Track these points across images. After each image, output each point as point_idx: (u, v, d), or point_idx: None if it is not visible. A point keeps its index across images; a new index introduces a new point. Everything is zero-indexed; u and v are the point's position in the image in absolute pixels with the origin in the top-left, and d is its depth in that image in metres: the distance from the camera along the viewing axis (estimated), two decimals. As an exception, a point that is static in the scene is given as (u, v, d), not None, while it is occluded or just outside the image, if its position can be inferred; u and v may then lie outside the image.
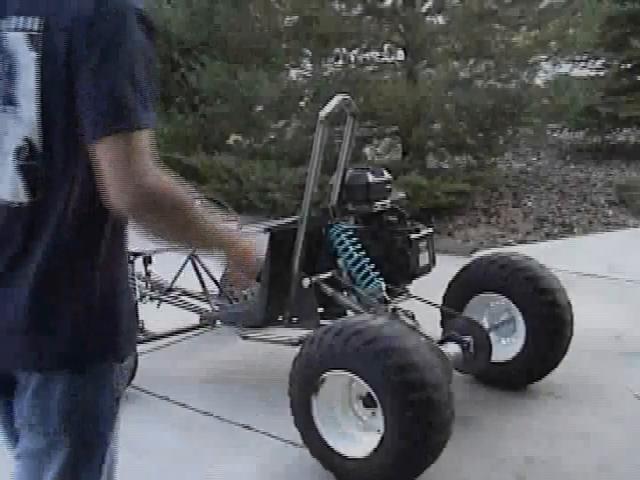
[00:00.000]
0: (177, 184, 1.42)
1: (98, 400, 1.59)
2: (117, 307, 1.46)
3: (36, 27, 1.30)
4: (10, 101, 1.34)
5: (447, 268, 3.65)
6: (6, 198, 1.37)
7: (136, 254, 3.84)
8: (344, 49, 7.17)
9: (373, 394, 2.67)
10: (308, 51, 7.33)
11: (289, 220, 3.67)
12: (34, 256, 1.37)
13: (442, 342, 3.16)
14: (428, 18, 7.17)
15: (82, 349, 1.46)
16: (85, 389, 1.53)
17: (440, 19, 7.13)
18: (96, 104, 1.28)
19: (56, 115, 1.32)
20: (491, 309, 3.53)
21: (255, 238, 1.79)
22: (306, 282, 3.35)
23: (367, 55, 7.19)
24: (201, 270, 3.87)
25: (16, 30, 1.32)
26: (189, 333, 4.02)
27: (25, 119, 1.33)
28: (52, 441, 1.51)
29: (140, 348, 3.73)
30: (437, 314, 3.63)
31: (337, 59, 7.26)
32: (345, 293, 3.44)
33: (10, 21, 1.33)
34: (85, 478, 1.61)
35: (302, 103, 7.25)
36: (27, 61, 1.31)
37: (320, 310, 3.47)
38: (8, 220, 1.38)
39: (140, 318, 3.85)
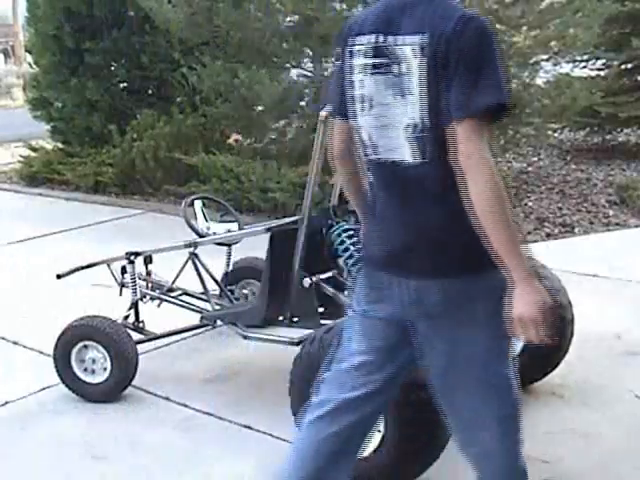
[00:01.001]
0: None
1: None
2: (475, 233, 1.86)
3: (425, 41, 1.88)
4: (404, 92, 1.93)
5: (447, 268, 3.64)
6: (408, 159, 1.97)
7: (136, 254, 3.85)
8: (344, 49, 7.17)
9: (373, 394, 2.66)
10: (309, 51, 7.32)
11: (289, 220, 3.67)
12: (424, 198, 1.97)
13: (442, 342, 3.15)
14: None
15: (471, 261, 1.93)
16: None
17: (440, 19, 7.12)
18: (457, 95, 1.84)
19: (433, 101, 1.88)
20: (491, 309, 3.53)
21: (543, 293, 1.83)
22: (307, 282, 3.35)
23: (368, 55, 7.19)
24: (202, 270, 3.87)
25: (412, 44, 1.90)
26: (189, 333, 4.02)
27: (415, 104, 1.91)
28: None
29: (140, 348, 3.74)
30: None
31: (338, 59, 7.26)
32: (346, 293, 3.44)
33: (405, 37, 1.92)
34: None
35: (303, 103, 7.24)
36: (417, 64, 1.89)
37: (321, 310, 3.47)
38: (408, 173, 1.97)
39: (140, 318, 3.86)
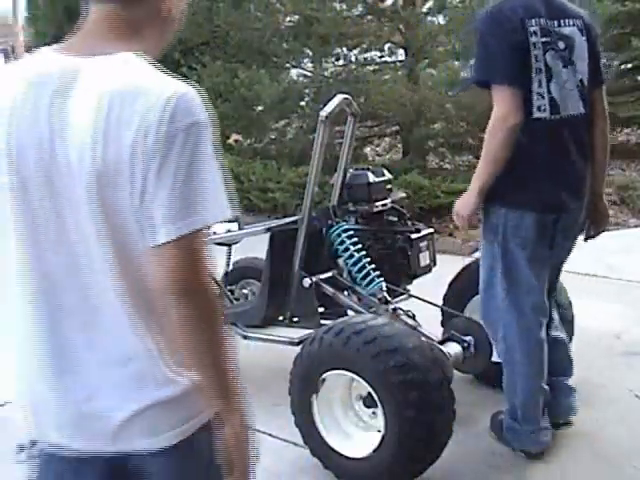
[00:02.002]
0: None
1: None
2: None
3: (581, 24, 2.74)
4: (569, 63, 2.69)
5: (447, 268, 3.65)
6: (582, 111, 2.73)
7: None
8: (345, 49, 7.18)
9: (373, 394, 2.67)
10: (309, 51, 7.33)
11: (289, 220, 3.67)
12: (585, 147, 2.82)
13: (442, 342, 3.16)
14: (429, 18, 7.17)
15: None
16: None
17: (441, 19, 7.13)
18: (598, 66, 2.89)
19: (590, 67, 2.76)
20: (491, 309, 3.54)
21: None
22: (307, 282, 3.35)
23: (368, 55, 7.19)
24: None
25: (573, 25, 2.71)
26: (189, 333, 4.02)
27: (579, 72, 2.72)
28: None
29: (140, 348, 3.74)
30: (438, 314, 3.63)
31: (338, 59, 7.27)
32: (346, 293, 3.44)
33: (568, 21, 2.71)
34: None
35: (303, 103, 7.25)
36: (580, 42, 2.72)
37: (320, 310, 3.48)
38: (580, 124, 2.75)
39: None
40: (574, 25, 2.72)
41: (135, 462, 1.40)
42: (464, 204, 2.78)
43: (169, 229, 1.25)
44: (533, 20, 2.62)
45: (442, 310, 3.58)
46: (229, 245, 4.04)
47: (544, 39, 2.63)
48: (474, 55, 2.75)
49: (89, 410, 1.38)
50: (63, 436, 1.45)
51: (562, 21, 2.69)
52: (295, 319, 3.52)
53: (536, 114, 2.62)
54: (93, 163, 1.25)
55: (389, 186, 3.53)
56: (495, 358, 3.05)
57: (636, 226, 6.21)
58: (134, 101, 1.25)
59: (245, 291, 4.17)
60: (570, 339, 3.43)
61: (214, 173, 1.32)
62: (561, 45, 2.66)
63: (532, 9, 2.64)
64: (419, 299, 3.55)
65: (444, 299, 3.58)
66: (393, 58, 7.36)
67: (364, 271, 3.37)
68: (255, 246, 3.89)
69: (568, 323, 3.40)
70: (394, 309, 3.28)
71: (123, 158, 1.24)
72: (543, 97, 2.63)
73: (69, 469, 1.48)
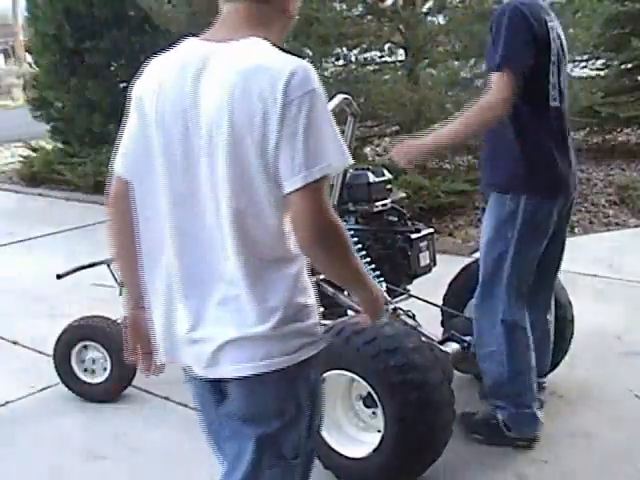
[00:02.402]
0: None
1: None
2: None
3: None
4: (564, 58, 2.86)
5: (447, 268, 3.64)
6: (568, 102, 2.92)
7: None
8: (345, 49, 7.16)
9: (373, 394, 2.67)
10: (308, 51, 7.31)
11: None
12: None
13: (443, 342, 3.16)
14: (429, 18, 7.16)
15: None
16: None
17: (441, 19, 7.12)
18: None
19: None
20: (491, 309, 3.54)
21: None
22: (306, 282, 3.34)
23: (368, 55, 7.17)
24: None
25: (558, 27, 2.85)
26: (189, 333, 4.02)
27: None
28: None
29: (140, 348, 3.74)
30: (438, 314, 3.63)
31: (338, 59, 7.25)
32: (346, 293, 3.43)
33: (555, 20, 2.83)
34: None
35: (302, 103, 7.24)
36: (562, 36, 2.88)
37: (320, 310, 3.46)
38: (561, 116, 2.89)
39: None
40: (558, 25, 2.90)
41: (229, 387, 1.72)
42: (414, 149, 2.97)
43: (295, 180, 1.55)
44: (548, 17, 2.78)
45: (442, 310, 3.57)
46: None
47: (556, 34, 2.81)
48: (492, 44, 2.71)
49: (194, 338, 1.71)
50: (185, 361, 1.78)
51: (553, 19, 2.86)
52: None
53: (552, 103, 2.80)
54: (228, 128, 1.57)
55: (389, 186, 3.53)
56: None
57: (636, 226, 6.20)
58: (262, 75, 1.56)
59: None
60: (570, 339, 3.44)
61: (331, 129, 1.59)
62: (558, 42, 2.84)
63: (542, 6, 2.81)
64: (419, 299, 3.55)
65: (444, 299, 3.58)
66: (393, 58, 7.34)
67: (364, 271, 3.36)
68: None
69: (568, 323, 3.40)
70: (394, 309, 3.28)
71: (254, 122, 1.55)
72: (555, 87, 2.81)
73: (203, 390, 1.83)
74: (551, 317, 3.17)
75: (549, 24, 2.77)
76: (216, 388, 1.78)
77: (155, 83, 1.72)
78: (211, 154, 1.61)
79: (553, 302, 3.20)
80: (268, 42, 1.64)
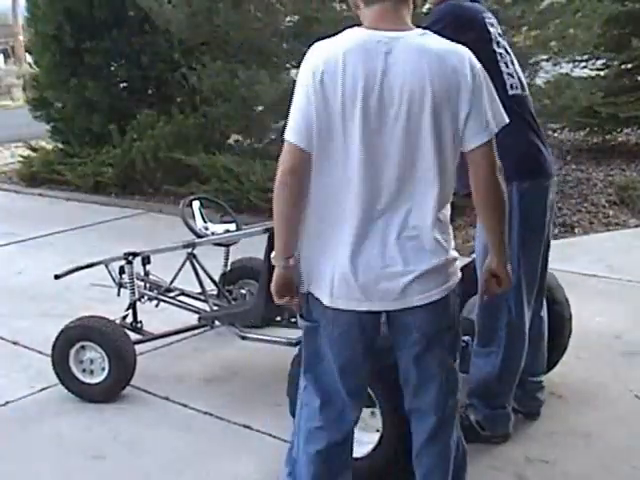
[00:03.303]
0: None
1: None
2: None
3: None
4: (512, 58, 3.00)
5: (447, 268, 3.64)
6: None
7: (134, 254, 3.84)
8: (344, 49, 7.16)
9: (372, 393, 2.66)
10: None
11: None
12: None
13: (442, 342, 3.15)
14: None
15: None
16: None
17: (440, 19, 7.11)
18: None
19: None
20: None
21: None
22: (306, 282, 3.34)
23: (367, 55, 7.18)
24: (200, 270, 3.86)
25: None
26: (189, 333, 4.02)
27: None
28: None
29: (140, 348, 3.74)
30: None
31: (337, 59, 7.26)
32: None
33: (493, 17, 2.99)
34: None
35: (302, 103, 7.24)
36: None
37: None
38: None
39: (139, 318, 3.86)
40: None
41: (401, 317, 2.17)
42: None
43: (482, 136, 2.11)
44: (486, 13, 2.95)
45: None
46: (227, 246, 4.04)
47: (498, 30, 2.97)
48: None
49: (385, 274, 2.10)
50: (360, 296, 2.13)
51: (492, 17, 3.03)
52: (293, 320, 3.51)
53: (510, 91, 2.89)
54: (432, 97, 2.01)
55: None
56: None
57: (636, 226, 6.19)
58: (451, 56, 2.07)
59: (243, 291, 4.16)
60: (569, 336, 3.44)
61: (494, 97, 2.15)
62: (499, 36, 3.00)
63: (483, 8, 2.98)
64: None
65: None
66: (393, 58, 7.34)
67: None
68: (253, 246, 3.88)
69: (566, 320, 3.40)
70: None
71: (451, 94, 2.04)
72: (513, 76, 2.93)
73: (354, 322, 2.17)
74: (545, 317, 3.17)
75: (486, 20, 2.91)
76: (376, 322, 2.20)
77: (336, 64, 2.04)
78: (409, 119, 2.03)
79: (545, 301, 3.21)
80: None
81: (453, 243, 2.21)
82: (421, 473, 2.39)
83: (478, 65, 2.11)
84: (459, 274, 2.23)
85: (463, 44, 2.76)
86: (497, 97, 2.14)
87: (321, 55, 2.08)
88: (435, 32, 2.76)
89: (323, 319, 2.20)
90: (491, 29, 2.91)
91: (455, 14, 2.85)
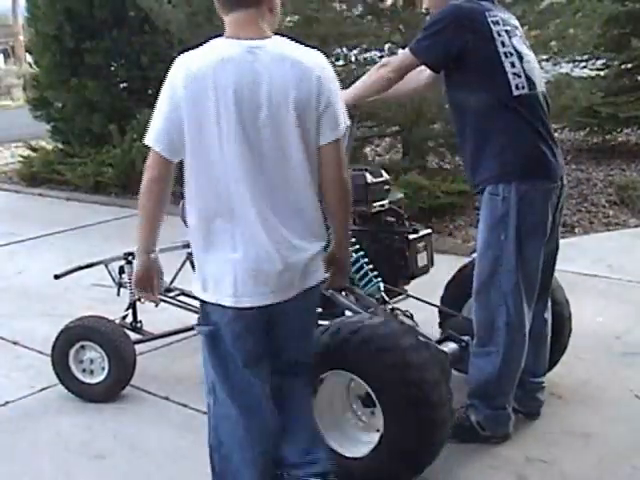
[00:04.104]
0: None
1: None
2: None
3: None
4: (529, 47, 3.01)
5: (447, 268, 3.65)
6: (544, 88, 3.01)
7: (134, 254, 3.84)
8: (345, 49, 7.15)
9: (372, 393, 2.67)
10: (308, 51, 7.32)
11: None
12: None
13: (440, 342, 3.16)
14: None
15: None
16: None
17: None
18: None
19: None
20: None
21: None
22: (305, 282, 3.34)
23: (368, 55, 7.16)
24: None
25: (512, 19, 3.05)
26: (189, 333, 4.01)
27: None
28: None
29: (140, 348, 3.74)
30: (436, 314, 3.63)
31: (338, 59, 7.24)
32: (343, 293, 3.43)
33: (509, 14, 3.06)
34: None
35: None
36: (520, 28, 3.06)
37: (318, 310, 3.47)
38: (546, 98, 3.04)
39: (139, 318, 3.86)
40: (515, 20, 3.07)
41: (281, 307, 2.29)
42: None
43: (333, 134, 2.28)
44: (492, 12, 2.91)
45: (440, 310, 3.58)
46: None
47: (506, 27, 2.92)
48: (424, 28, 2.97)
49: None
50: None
51: (510, 15, 3.06)
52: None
53: (515, 92, 2.86)
54: (295, 100, 2.20)
55: (387, 187, 3.53)
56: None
57: (636, 226, 6.20)
58: (307, 61, 2.25)
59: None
60: (568, 336, 3.44)
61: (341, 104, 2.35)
62: (518, 33, 2.99)
63: (486, 5, 2.95)
64: (417, 299, 3.56)
65: (442, 299, 3.58)
66: (393, 58, 7.33)
67: (362, 271, 3.36)
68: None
69: (566, 320, 3.40)
70: (392, 309, 3.28)
71: (311, 95, 2.22)
72: (520, 76, 2.88)
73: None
74: (549, 318, 3.17)
75: (490, 19, 2.88)
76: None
77: (205, 75, 2.18)
78: (277, 121, 2.20)
79: (550, 302, 3.21)
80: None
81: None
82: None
83: (329, 68, 2.32)
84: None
85: (464, 44, 2.79)
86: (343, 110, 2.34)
87: (191, 67, 2.20)
88: (434, 32, 2.78)
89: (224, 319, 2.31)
90: (495, 27, 2.88)
91: (455, 15, 2.86)
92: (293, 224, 2.26)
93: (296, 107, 2.20)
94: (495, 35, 2.87)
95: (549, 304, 3.17)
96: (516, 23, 3.04)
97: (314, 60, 2.27)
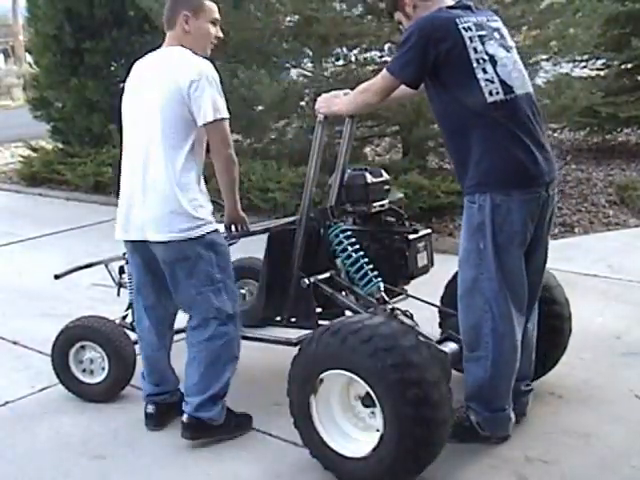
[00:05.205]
0: None
1: None
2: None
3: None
4: (509, 49, 2.94)
5: (447, 268, 3.64)
6: (529, 90, 2.98)
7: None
8: (345, 49, 7.15)
9: (372, 393, 2.67)
10: (309, 51, 7.31)
11: (287, 220, 3.67)
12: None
13: (440, 342, 3.16)
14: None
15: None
16: None
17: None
18: None
19: None
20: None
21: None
22: (305, 282, 3.35)
23: (368, 55, 7.16)
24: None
25: (497, 21, 3.01)
26: (189, 333, 4.01)
27: (517, 56, 2.98)
28: None
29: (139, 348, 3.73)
30: (436, 314, 3.63)
31: (338, 59, 7.25)
32: (344, 293, 3.44)
33: (493, 17, 3.02)
34: None
35: (303, 103, 7.22)
36: (507, 33, 3.02)
37: (318, 310, 3.47)
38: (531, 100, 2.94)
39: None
40: (497, 20, 3.01)
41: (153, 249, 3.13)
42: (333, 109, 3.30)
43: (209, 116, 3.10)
44: (462, 19, 2.85)
45: (440, 310, 3.58)
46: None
47: (480, 32, 2.87)
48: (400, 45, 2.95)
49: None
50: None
51: (489, 17, 2.98)
52: (293, 319, 3.52)
53: (490, 99, 2.81)
54: (162, 97, 3.05)
55: (387, 187, 3.53)
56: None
57: (636, 226, 6.19)
58: (181, 66, 3.05)
59: (243, 291, 4.17)
60: (568, 335, 3.43)
61: (217, 97, 3.13)
62: (497, 35, 2.93)
63: (456, 13, 2.89)
64: (417, 299, 3.56)
65: (442, 299, 3.58)
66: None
67: (362, 271, 3.36)
68: (253, 246, 3.89)
69: (566, 319, 3.40)
70: (392, 309, 3.28)
71: (181, 94, 3.03)
72: (493, 82, 2.82)
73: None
74: (533, 326, 3.13)
75: (461, 25, 2.82)
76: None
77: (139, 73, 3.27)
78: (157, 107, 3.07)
79: (546, 300, 3.20)
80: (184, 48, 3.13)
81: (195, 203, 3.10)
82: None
83: (206, 70, 3.04)
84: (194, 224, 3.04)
85: (436, 55, 2.78)
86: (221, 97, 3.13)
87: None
88: (407, 49, 2.86)
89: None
90: (466, 34, 2.81)
91: (424, 28, 2.83)
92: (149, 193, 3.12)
93: (168, 97, 3.07)
94: (467, 42, 2.81)
95: (534, 314, 3.13)
96: (496, 25, 2.97)
97: (189, 63, 3.07)
